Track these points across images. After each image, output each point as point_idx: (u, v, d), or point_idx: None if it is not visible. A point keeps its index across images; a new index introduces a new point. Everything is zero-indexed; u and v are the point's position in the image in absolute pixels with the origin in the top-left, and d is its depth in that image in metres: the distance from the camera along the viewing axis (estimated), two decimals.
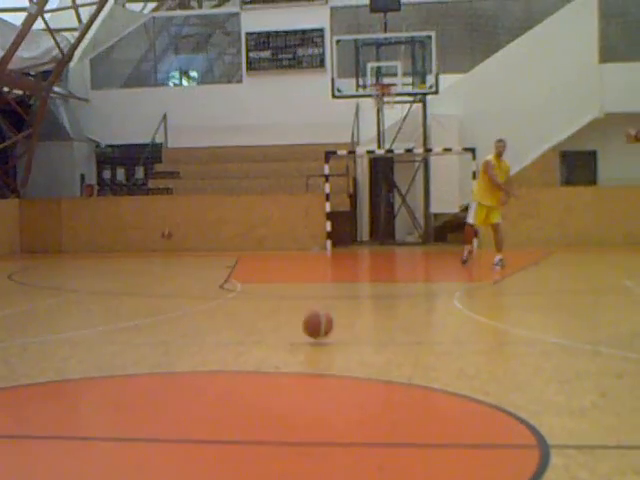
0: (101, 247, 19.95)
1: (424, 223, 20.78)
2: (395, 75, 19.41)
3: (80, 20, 21.41)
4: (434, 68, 19.29)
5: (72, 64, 22.90)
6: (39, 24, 19.87)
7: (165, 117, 23.48)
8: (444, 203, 20.27)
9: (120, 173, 23.74)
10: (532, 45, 20.31)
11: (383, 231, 21.00)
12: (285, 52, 23.49)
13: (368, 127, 21.27)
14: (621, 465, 3.83)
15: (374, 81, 19.45)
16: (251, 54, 23.62)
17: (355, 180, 21.80)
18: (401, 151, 19.58)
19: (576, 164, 22.17)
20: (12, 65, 19.60)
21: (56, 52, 21.32)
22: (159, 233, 19.44)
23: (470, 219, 13.95)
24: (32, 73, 21.95)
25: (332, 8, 23.33)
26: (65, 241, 20.41)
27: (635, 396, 5.18)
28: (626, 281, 11.65)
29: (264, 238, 19.49)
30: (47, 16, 20.49)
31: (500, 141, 13.58)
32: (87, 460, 4.22)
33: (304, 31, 23.32)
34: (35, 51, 21.33)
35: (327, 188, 18.81)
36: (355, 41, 20.12)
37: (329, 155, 19.12)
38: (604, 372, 5.91)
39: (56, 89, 22.52)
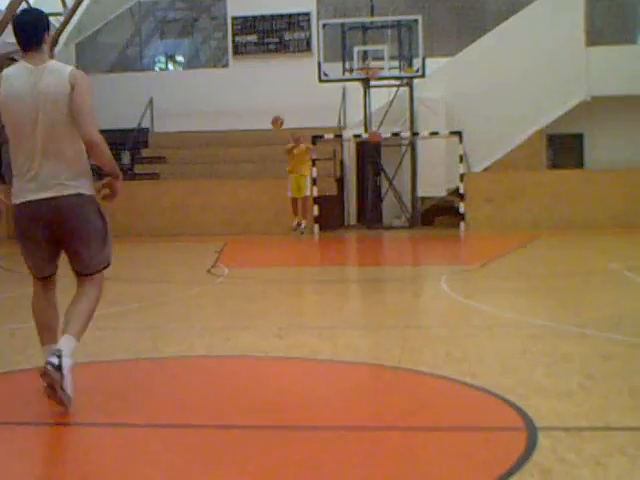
0: None
1: (411, 207, 20.78)
2: (382, 59, 19.42)
3: (65, 4, 21.22)
4: (421, 52, 19.27)
5: (57, 49, 22.68)
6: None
7: (151, 102, 23.39)
8: (431, 187, 20.29)
9: None
10: (519, 28, 20.28)
11: (370, 215, 21.01)
12: (271, 36, 23.41)
13: (355, 111, 21.28)
14: (608, 446, 3.85)
15: (361, 65, 19.44)
16: (237, 38, 23.54)
17: (342, 164, 21.78)
18: (388, 135, 19.57)
19: (563, 147, 22.23)
20: None
21: None
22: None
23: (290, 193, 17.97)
24: (17, 58, 21.76)
25: None
26: None
27: (621, 378, 5.20)
28: (612, 264, 11.69)
29: (251, 222, 19.46)
30: (31, 0, 20.32)
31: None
32: (75, 446, 4.22)
33: (290, 15, 23.24)
34: None
35: (314, 172, 18.79)
36: (342, 25, 20.09)
37: (316, 139, 19.10)
38: (591, 354, 5.94)
39: None
